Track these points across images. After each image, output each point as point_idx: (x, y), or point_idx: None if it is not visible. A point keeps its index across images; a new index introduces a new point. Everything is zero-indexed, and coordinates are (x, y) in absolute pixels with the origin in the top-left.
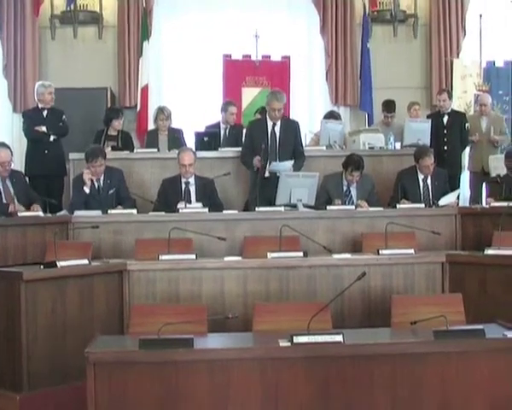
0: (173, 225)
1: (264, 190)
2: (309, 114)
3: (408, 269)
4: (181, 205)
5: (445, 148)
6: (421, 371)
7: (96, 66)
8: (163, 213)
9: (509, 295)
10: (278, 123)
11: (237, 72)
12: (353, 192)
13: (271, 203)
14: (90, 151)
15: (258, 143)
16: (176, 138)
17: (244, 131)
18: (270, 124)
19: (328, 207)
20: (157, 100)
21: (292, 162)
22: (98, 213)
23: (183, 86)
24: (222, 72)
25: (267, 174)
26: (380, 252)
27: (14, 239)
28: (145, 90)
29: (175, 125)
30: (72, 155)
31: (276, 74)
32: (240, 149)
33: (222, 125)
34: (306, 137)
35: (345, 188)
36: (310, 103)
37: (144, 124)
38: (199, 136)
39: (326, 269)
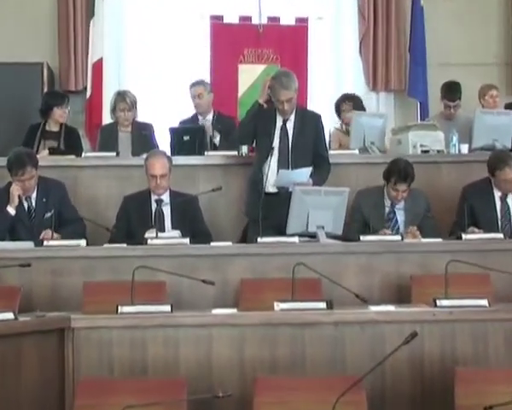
0: (139, 263)
1: (270, 213)
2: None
3: (479, 328)
4: (150, 234)
5: None
6: None
7: (27, 31)
8: (124, 245)
9: None
10: (292, 115)
11: (232, 41)
12: (399, 215)
13: (280, 231)
14: (13, 158)
15: (262, 144)
16: (143, 137)
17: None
18: (279, 117)
19: (362, 238)
20: (116, 81)
21: (309, 170)
22: (29, 244)
23: (154, 62)
24: (209, 41)
25: (274, 189)
26: (437, 303)
27: None
28: (98, 66)
29: (142, 118)
30: None
31: (287, 45)
32: (234, 152)
33: (200, 118)
34: (331, 135)
35: (387, 209)
36: (337, 87)
37: (97, 116)
38: (176, 134)
39: (359, 327)
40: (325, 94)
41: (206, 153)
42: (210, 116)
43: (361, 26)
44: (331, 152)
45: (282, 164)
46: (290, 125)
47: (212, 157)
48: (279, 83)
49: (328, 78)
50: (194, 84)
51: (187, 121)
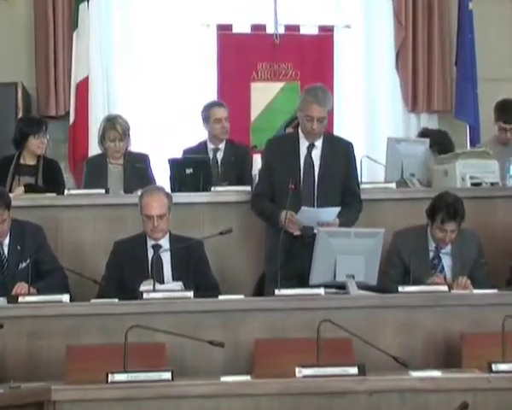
0: (133, 322)
1: (290, 259)
2: (367, 128)
3: None
4: (146, 286)
5: None
6: None
7: None
8: (115, 300)
9: None
10: (318, 143)
11: (243, 55)
12: (445, 261)
13: (303, 281)
14: None
15: (282, 178)
16: (137, 171)
17: (259, 157)
18: (303, 144)
19: (401, 289)
20: (104, 104)
21: (338, 210)
22: (1, 301)
23: (150, 81)
24: (216, 55)
25: (296, 231)
26: (493, 367)
27: None
28: (83, 86)
29: (136, 147)
30: None
31: (309, 58)
32: (247, 188)
33: (210, 146)
34: (363, 166)
35: (431, 254)
36: (369, 109)
37: (82, 146)
38: (177, 166)
39: (398, 397)
40: (355, 117)
41: (212, 188)
42: (223, 144)
43: (397, 34)
44: (362, 186)
45: (306, 200)
46: (316, 154)
47: (220, 193)
48: (313, 95)
49: (358, 97)
50: (215, 105)
51: (193, 150)
